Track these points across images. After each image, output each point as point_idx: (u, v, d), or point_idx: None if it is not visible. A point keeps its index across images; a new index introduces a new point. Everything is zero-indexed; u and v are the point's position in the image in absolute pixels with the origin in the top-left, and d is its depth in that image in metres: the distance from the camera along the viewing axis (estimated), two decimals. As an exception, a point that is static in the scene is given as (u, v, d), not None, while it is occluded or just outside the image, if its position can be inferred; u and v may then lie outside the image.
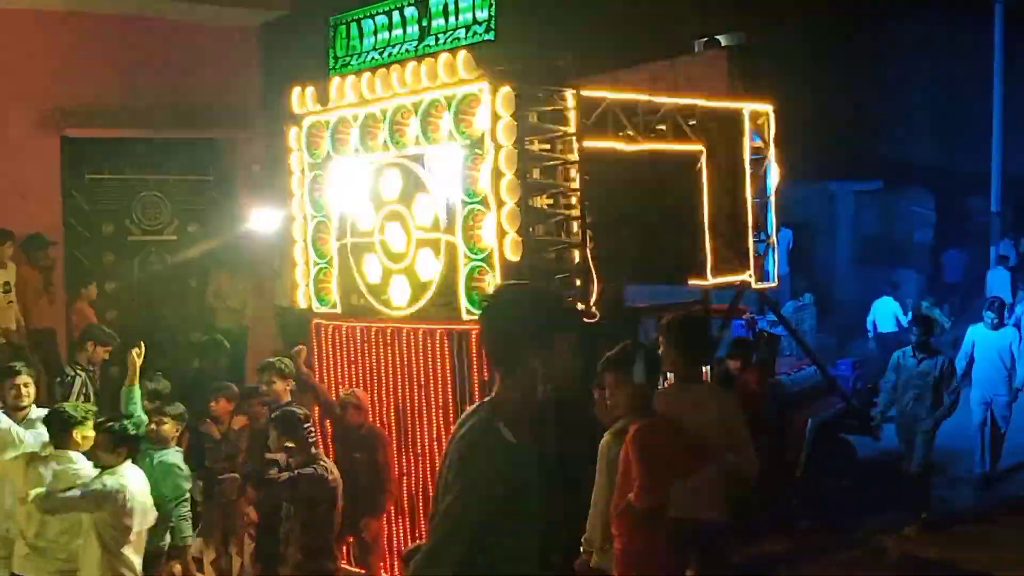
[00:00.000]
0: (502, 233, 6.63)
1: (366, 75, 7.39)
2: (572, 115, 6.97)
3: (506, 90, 6.57)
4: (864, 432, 9.89)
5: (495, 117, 6.61)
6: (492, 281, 6.68)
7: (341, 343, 7.96)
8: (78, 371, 8.88)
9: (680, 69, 8.97)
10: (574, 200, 7.07)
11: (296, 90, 8.01)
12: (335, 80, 7.66)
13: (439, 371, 7.20)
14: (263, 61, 10.99)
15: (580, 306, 7.00)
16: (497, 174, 6.61)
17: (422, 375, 7.32)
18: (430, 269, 7.19)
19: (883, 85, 23.22)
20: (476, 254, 6.80)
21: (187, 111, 10.70)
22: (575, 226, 7.10)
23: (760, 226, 8.77)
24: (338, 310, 7.98)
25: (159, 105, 10.57)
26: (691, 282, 8.24)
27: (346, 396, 7.47)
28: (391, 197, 7.45)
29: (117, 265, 11.22)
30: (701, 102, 8.09)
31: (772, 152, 8.77)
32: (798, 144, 19.77)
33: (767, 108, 8.71)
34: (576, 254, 7.05)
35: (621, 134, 7.49)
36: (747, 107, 8.49)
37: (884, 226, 23.93)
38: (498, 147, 6.60)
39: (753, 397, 8.34)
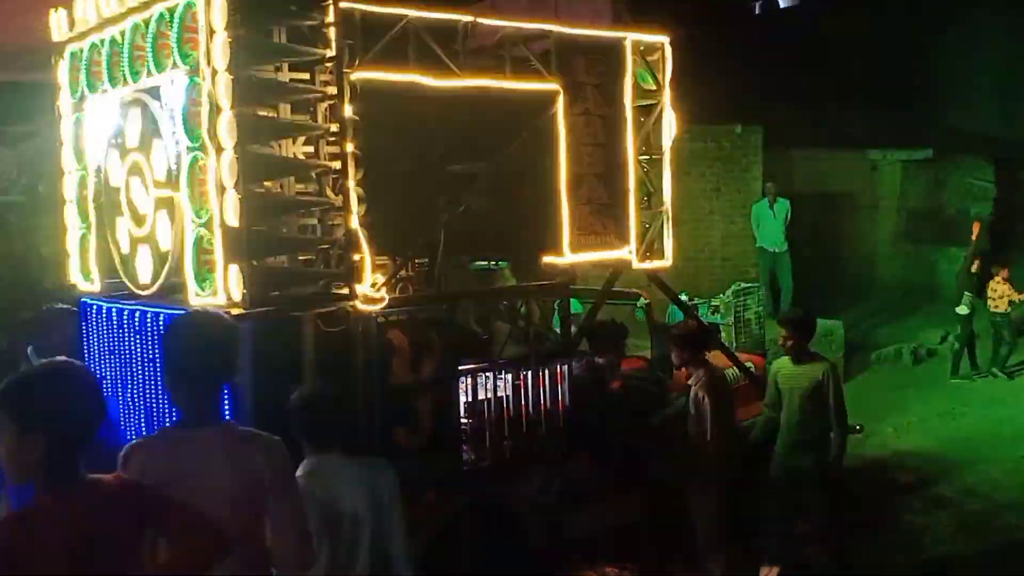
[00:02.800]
0: (221, 189, 4.96)
1: (102, -13, 5.79)
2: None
3: (221, -5, 4.87)
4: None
5: (209, 32, 4.93)
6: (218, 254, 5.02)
7: (104, 330, 6.39)
8: None
9: (561, -9, 7.13)
10: (350, 148, 5.36)
11: (52, 13, 6.44)
12: (78, -3, 6.07)
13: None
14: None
15: (344, 289, 5.31)
16: (214, 109, 4.94)
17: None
18: (167, 237, 5.57)
19: (936, 42, 20.84)
20: (201, 217, 5.15)
21: (31, 49, 9.15)
22: (353, 183, 5.38)
23: (652, 191, 6.94)
24: (96, 287, 6.42)
25: (-3, 42, 9.05)
26: (546, 259, 6.46)
27: None
28: (133, 144, 5.84)
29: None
30: (557, 28, 6.29)
31: (667, 97, 6.90)
32: (836, 107, 17.80)
33: (661, 40, 6.84)
34: (350, 219, 5.33)
35: (433, 66, 5.75)
36: (630, 37, 6.64)
37: (934, 200, 21.55)
38: (214, 72, 4.92)
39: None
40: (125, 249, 6.03)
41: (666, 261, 6.94)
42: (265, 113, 5.19)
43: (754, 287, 9.12)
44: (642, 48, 6.75)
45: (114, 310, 6.19)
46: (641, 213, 6.80)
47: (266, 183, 5.23)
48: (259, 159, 5.04)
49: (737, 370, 7.65)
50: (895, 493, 9.14)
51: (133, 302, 5.97)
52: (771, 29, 17.17)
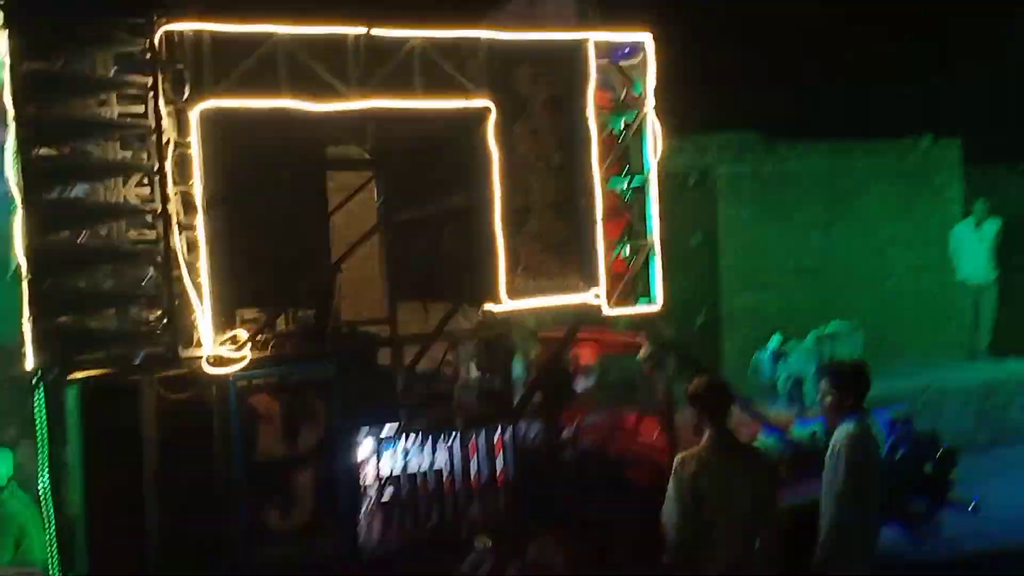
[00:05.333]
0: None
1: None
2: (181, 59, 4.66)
3: (-7, 27, 4.37)
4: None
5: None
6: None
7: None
8: None
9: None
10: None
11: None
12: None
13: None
14: None
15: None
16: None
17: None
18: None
19: None
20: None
21: None
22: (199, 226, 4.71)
23: (633, 221, 5.80)
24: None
25: None
26: (487, 307, 5.48)
27: None
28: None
29: None
30: (485, 34, 5.34)
31: (650, 106, 5.74)
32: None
33: (639, 39, 5.70)
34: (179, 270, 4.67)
35: (318, 88, 4.99)
36: (593, 38, 5.56)
37: None
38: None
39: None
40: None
41: (653, 305, 5.74)
42: (100, 156, 4.64)
43: (845, 329, 7.45)
44: (614, 50, 5.66)
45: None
46: (620, 248, 5.69)
47: (102, 231, 4.68)
48: (61, 206, 4.49)
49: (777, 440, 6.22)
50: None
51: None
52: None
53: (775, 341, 7.91)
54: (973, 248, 12.01)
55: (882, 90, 12.34)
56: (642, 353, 6.19)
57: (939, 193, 12.79)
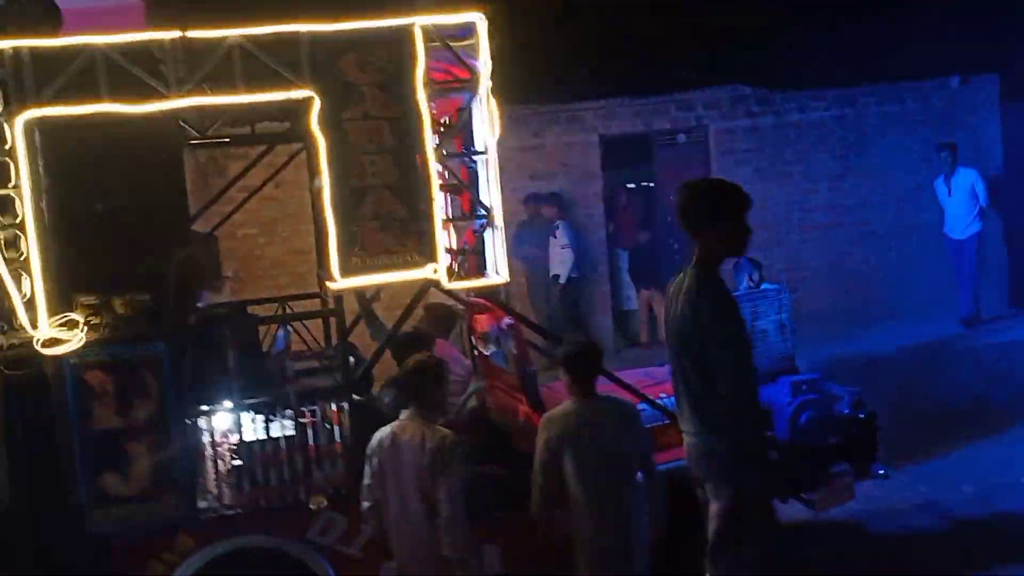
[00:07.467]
0: None
1: None
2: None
3: None
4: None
5: None
6: None
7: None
8: None
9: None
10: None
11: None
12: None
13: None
14: None
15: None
16: None
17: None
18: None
19: None
20: None
21: None
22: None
23: (474, 199, 5.99)
24: None
25: None
26: (330, 285, 5.80)
27: None
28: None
29: None
30: (304, 27, 5.61)
31: (485, 87, 5.89)
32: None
33: (470, 19, 5.85)
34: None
35: (140, 91, 5.40)
36: (419, 23, 5.75)
37: None
38: None
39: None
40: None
41: (495, 278, 5.93)
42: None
43: (771, 291, 7.21)
44: (445, 33, 5.83)
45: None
46: (457, 224, 5.92)
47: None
48: None
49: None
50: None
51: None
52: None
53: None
54: (946, 201, 11.44)
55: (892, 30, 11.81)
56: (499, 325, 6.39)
57: (973, 136, 12.23)
